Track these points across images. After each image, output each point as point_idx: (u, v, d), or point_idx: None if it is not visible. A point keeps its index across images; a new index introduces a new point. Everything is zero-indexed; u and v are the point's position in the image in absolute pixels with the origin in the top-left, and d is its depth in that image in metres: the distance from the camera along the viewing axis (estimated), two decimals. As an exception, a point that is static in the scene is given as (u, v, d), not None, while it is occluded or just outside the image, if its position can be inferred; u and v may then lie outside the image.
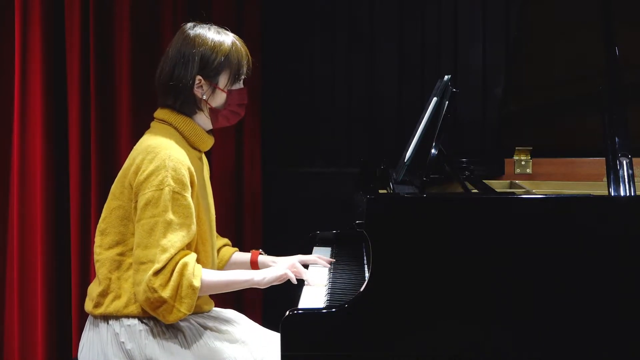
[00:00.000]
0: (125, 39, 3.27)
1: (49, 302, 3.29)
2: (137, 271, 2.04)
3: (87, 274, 3.31)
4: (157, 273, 2.00)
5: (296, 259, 2.43)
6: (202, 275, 2.06)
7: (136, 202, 2.08)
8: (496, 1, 3.56)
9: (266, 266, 2.43)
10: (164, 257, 2.00)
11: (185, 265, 2.02)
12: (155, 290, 1.99)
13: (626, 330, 1.92)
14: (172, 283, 2.00)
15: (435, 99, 2.50)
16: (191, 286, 2.01)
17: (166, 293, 1.99)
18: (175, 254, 2.02)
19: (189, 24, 2.24)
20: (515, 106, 3.03)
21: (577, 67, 2.81)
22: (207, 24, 2.25)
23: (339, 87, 3.64)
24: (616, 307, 1.91)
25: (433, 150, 2.34)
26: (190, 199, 2.09)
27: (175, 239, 2.03)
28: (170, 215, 2.04)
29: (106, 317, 2.14)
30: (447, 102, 2.46)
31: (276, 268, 2.24)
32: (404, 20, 3.60)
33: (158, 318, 2.06)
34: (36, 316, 3.30)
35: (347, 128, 3.64)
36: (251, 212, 3.48)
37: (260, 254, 2.50)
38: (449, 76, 2.58)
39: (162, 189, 2.04)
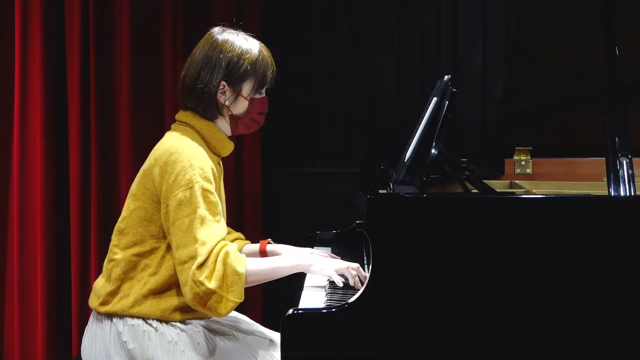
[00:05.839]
0: (125, 38, 3.27)
1: (49, 301, 3.29)
2: (181, 272, 2.02)
3: (87, 273, 3.31)
4: (200, 266, 1.98)
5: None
6: (247, 264, 2.03)
7: (167, 205, 2.06)
8: (496, 1, 3.56)
9: (276, 255, 2.38)
10: (204, 250, 1.99)
11: (227, 254, 2.00)
12: (201, 284, 1.96)
13: (626, 330, 1.92)
14: (217, 273, 1.98)
15: (435, 98, 2.49)
16: (236, 272, 1.99)
17: (213, 284, 1.97)
18: (215, 245, 2.01)
19: (217, 29, 2.23)
20: (515, 106, 3.03)
21: (577, 67, 2.81)
22: (235, 29, 2.23)
23: (339, 87, 3.63)
24: (616, 307, 1.91)
25: (433, 150, 2.34)
26: (217, 196, 2.09)
27: (212, 232, 2.02)
28: (204, 211, 2.03)
29: (110, 315, 2.14)
30: (447, 102, 2.46)
31: (328, 262, 2.17)
32: (404, 20, 3.60)
33: (211, 315, 2.03)
34: (36, 316, 3.30)
35: (347, 128, 3.64)
36: (251, 212, 3.48)
37: (269, 243, 2.48)
38: (449, 76, 2.58)
39: (191, 187, 2.03)
